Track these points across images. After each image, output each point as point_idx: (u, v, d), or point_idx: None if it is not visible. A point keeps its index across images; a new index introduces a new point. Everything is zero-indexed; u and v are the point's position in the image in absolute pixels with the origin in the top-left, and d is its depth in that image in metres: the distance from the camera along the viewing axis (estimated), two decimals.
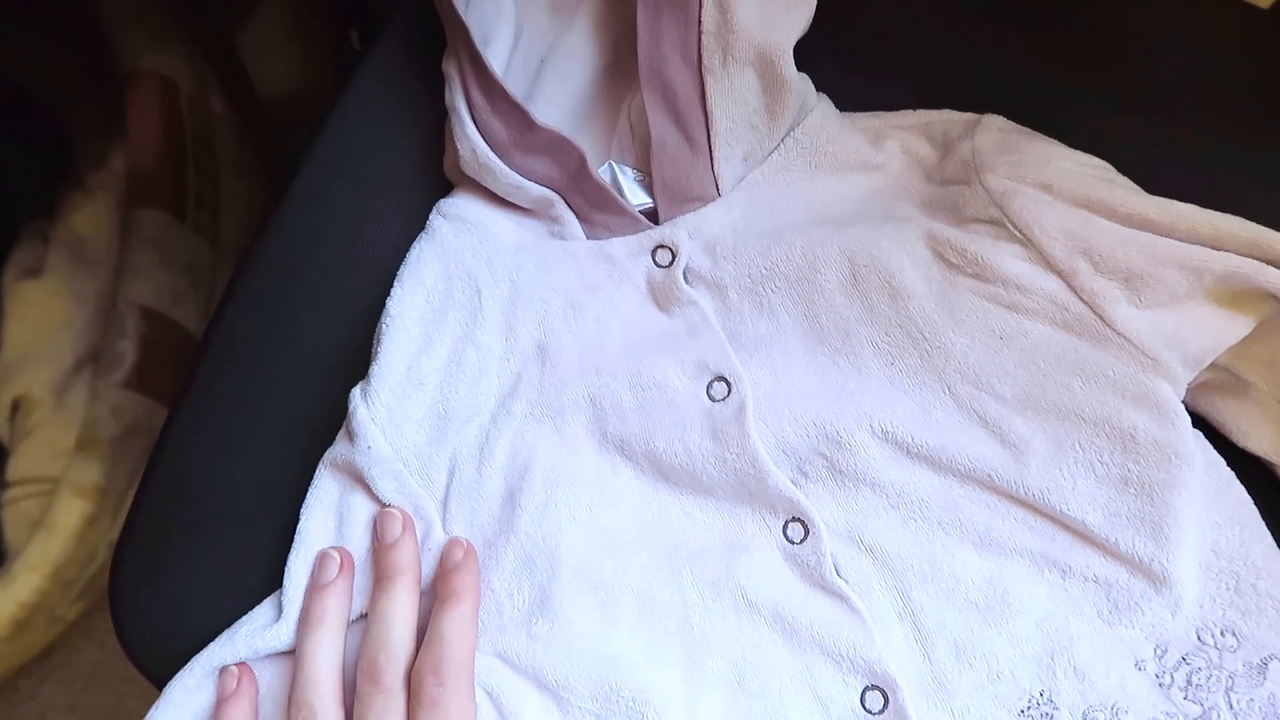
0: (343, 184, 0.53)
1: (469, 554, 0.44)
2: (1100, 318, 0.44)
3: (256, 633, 0.44)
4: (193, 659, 0.44)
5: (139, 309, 0.84)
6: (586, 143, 0.49)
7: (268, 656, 0.44)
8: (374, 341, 0.48)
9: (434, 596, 0.43)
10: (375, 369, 0.47)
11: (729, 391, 0.46)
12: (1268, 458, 0.45)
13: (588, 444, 0.47)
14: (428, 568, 0.45)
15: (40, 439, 0.83)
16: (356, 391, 0.47)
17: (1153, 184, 0.46)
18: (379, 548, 0.44)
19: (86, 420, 0.83)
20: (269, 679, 0.44)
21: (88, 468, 0.82)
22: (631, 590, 0.44)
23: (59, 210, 0.89)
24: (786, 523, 0.45)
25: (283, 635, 0.43)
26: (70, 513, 0.81)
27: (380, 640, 0.41)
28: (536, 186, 0.49)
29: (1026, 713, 0.42)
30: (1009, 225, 0.45)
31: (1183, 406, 0.43)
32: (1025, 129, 0.49)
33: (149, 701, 0.43)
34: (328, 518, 0.46)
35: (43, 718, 1.00)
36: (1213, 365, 0.44)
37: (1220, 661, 0.41)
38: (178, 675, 0.44)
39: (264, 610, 0.45)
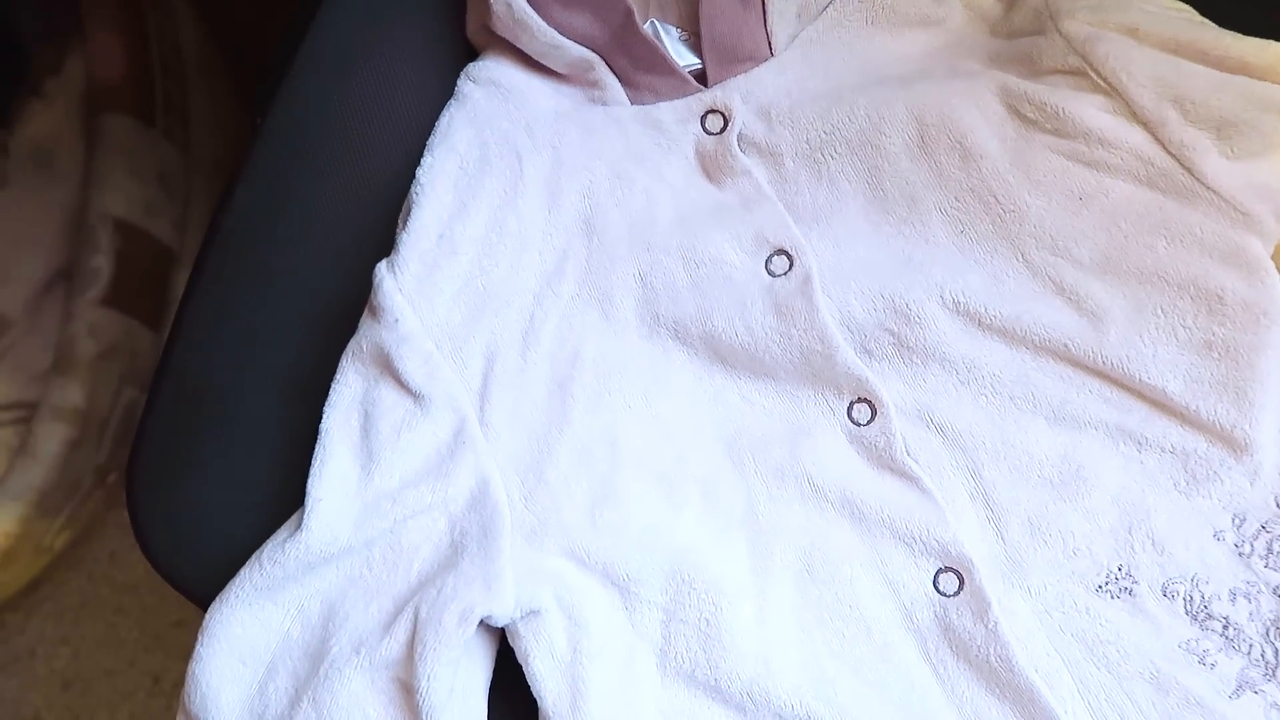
0: (355, 49, 0.49)
1: None
2: (1189, 171, 0.41)
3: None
4: (226, 589, 0.40)
5: (111, 221, 0.80)
6: None
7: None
8: (401, 217, 0.44)
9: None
10: (404, 237, 0.44)
11: (790, 266, 0.43)
12: None
13: (636, 329, 0.44)
14: (464, 467, 0.41)
15: (14, 362, 0.79)
16: (382, 265, 0.43)
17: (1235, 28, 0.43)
18: None
19: (63, 341, 0.78)
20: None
21: (67, 390, 0.78)
22: (694, 479, 0.42)
23: (14, 120, 0.83)
24: (851, 404, 0.43)
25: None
26: (52, 438, 0.77)
27: None
28: (576, 46, 0.45)
29: (1105, 588, 0.40)
30: (1092, 74, 0.42)
31: (1273, 264, 0.41)
32: None
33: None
34: (350, 415, 0.42)
35: (33, 652, 0.98)
36: None
37: None
38: (215, 607, 0.40)
39: (285, 531, 0.42)
